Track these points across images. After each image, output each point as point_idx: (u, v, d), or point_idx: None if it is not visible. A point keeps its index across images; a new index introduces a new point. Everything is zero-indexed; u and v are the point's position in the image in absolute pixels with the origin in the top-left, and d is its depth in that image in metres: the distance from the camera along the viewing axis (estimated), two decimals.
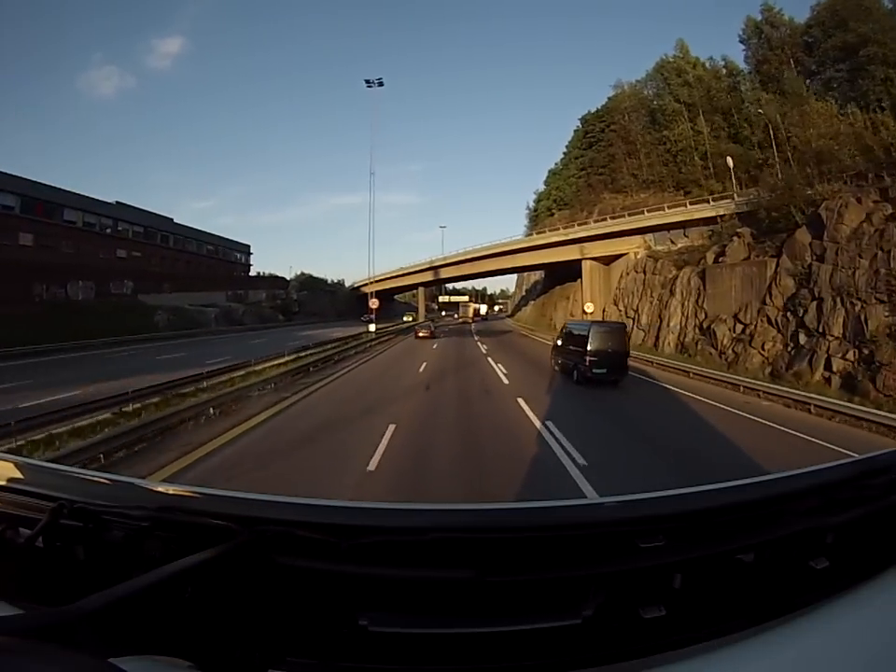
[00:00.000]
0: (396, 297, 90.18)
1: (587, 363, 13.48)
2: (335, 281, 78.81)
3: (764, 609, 0.76)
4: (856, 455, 1.17)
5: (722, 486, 0.90)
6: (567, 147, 51.27)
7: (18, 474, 0.88)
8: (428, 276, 56.35)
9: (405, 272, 59.75)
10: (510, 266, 42.93)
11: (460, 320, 68.36)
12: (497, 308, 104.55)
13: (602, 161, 42.38)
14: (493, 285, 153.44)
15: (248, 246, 64.98)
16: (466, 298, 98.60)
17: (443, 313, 78.08)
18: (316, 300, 65.52)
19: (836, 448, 7.59)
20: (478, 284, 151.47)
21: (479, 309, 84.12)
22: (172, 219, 48.06)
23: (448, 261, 51.46)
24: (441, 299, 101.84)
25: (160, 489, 0.92)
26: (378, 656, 0.71)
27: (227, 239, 59.57)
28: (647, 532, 0.77)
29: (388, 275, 61.58)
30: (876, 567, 0.80)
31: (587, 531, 0.79)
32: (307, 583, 0.73)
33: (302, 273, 71.94)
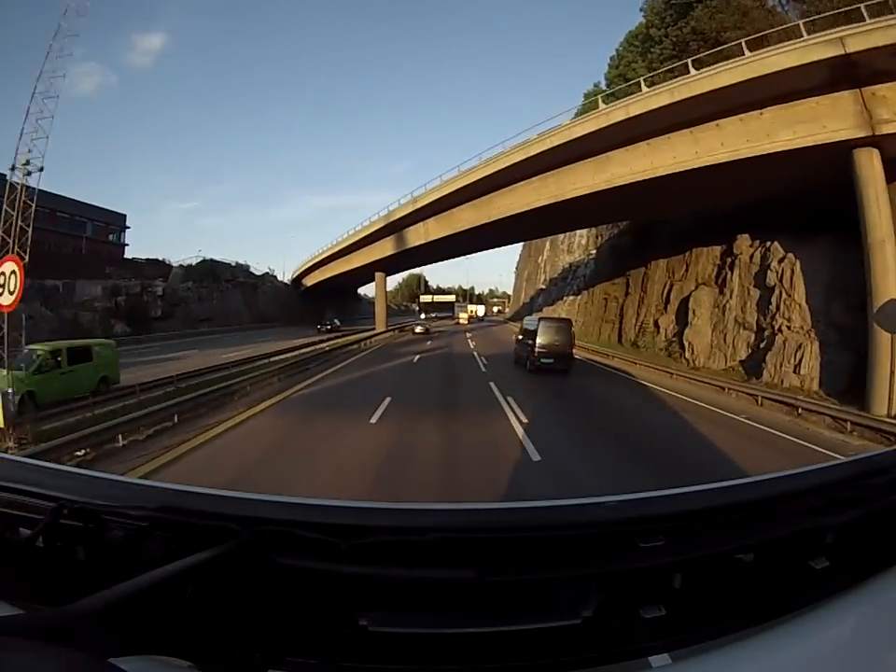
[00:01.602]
0: (365, 292, 68.83)
1: (536, 354, 15.72)
2: (269, 271, 55.73)
3: (764, 609, 0.76)
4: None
5: (722, 486, 0.90)
6: (619, 48, 29.89)
7: (18, 474, 0.87)
8: (389, 247, 31.18)
9: (352, 241, 35.64)
10: (585, 191, 16.94)
11: (455, 322, 58.33)
12: (495, 309, 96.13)
13: None
14: (480, 284, 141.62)
15: (123, 217, 42.54)
16: (452, 297, 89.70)
17: (423, 316, 61.40)
18: (224, 297, 43.88)
19: None
20: (464, 282, 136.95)
21: (476, 310, 78.05)
22: None
23: (423, 204, 25.05)
24: (423, 298, 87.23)
25: (160, 489, 0.91)
26: (378, 656, 0.71)
27: (86, 204, 37.78)
28: (647, 532, 0.77)
29: (328, 253, 40.57)
30: (876, 567, 0.79)
31: (587, 531, 0.79)
32: (307, 583, 0.73)
33: (205, 260, 45.53)
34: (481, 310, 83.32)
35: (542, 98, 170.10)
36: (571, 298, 34.55)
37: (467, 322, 58.41)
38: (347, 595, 0.73)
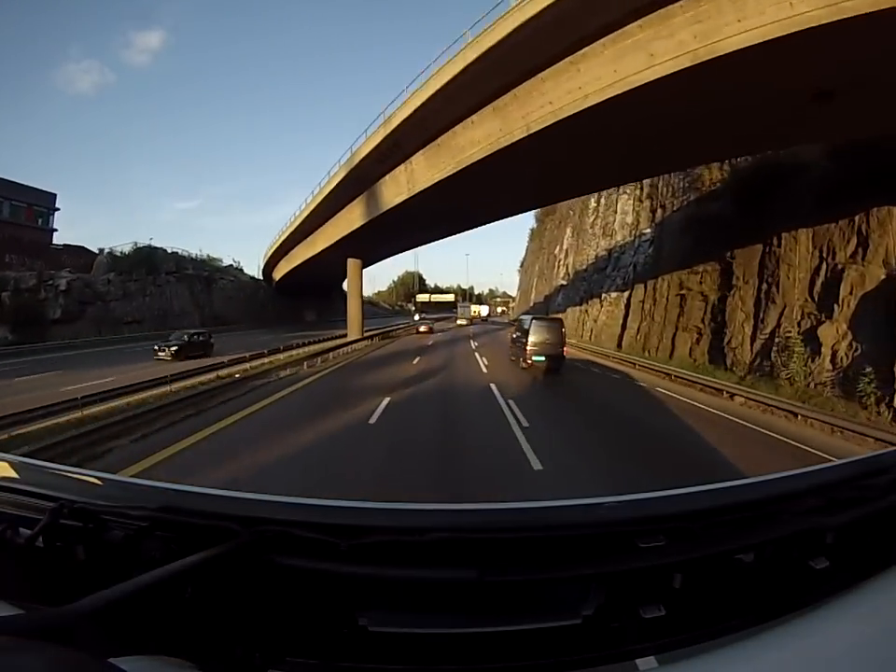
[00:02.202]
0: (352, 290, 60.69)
1: (528, 352, 15.90)
2: (233, 263, 46.88)
3: (764, 609, 0.75)
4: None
5: (723, 486, 0.89)
6: None
7: (18, 474, 0.87)
8: (358, 214, 21.31)
9: (309, 211, 25.52)
10: (766, 34, 7.12)
11: (467, 323, 52.35)
12: (499, 310, 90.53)
13: None
14: (479, 285, 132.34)
15: (51, 197, 34.65)
16: (451, 297, 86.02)
17: (417, 317, 52.74)
18: (164, 293, 35.31)
19: None
20: (463, 281, 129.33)
21: (480, 311, 74.37)
22: None
23: (403, 119, 14.43)
24: (419, 297, 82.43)
25: (160, 489, 0.91)
26: (378, 656, 0.71)
27: (2, 181, 30.52)
28: (647, 532, 0.77)
29: (288, 232, 31.63)
30: (876, 567, 0.79)
31: (587, 531, 0.78)
32: (307, 583, 0.72)
33: (141, 247, 35.69)
34: (484, 310, 78.92)
35: None
36: (615, 295, 25.01)
37: (469, 323, 53.00)
38: (347, 595, 0.73)
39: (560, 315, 24.79)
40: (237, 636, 0.69)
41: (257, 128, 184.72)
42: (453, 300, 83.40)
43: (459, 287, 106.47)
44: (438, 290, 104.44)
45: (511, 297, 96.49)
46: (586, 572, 0.75)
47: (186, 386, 11.64)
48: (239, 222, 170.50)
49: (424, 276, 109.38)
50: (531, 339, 16.09)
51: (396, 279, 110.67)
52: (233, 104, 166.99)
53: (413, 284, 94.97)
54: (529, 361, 16.05)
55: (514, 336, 18.73)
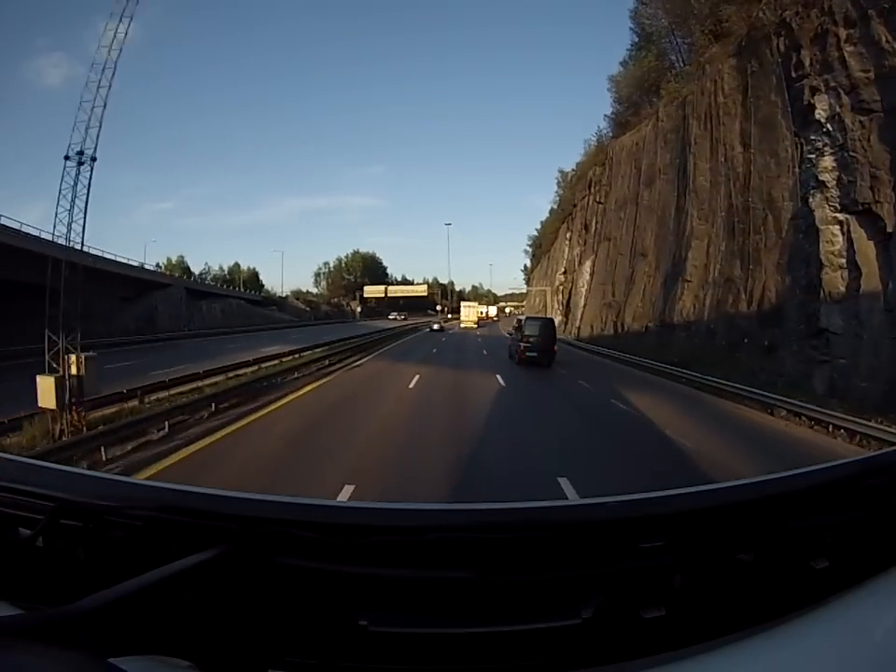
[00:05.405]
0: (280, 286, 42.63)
1: (521, 348, 17.49)
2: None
3: (764, 609, 0.75)
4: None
5: (723, 486, 0.90)
6: None
7: (18, 474, 0.87)
8: None
9: None
10: None
11: (464, 325, 45.08)
12: (507, 311, 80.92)
13: None
14: (458, 283, 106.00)
15: None
16: (423, 289, 66.37)
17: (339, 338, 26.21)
18: None
19: None
20: (440, 272, 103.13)
21: (488, 311, 64.12)
22: None
23: None
24: (368, 291, 56.09)
25: (160, 489, 0.91)
26: (378, 656, 0.71)
27: None
28: (647, 532, 0.77)
29: None
30: (876, 567, 0.79)
31: (587, 531, 0.78)
32: (307, 583, 0.73)
33: None
34: (492, 311, 67.48)
35: (524, 97, 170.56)
36: None
37: (475, 325, 46.14)
38: (347, 595, 0.72)
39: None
40: (237, 636, 0.69)
41: (230, 129, 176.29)
42: (426, 293, 62.74)
43: (436, 280, 79.09)
44: (405, 281, 75.26)
45: (493, 294, 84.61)
46: (586, 572, 0.75)
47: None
48: (219, 224, 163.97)
49: (385, 264, 76.25)
50: (524, 335, 17.53)
51: (329, 264, 68.93)
52: (208, 102, 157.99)
53: (362, 272, 62.27)
54: (523, 357, 17.38)
55: (512, 334, 20.61)
